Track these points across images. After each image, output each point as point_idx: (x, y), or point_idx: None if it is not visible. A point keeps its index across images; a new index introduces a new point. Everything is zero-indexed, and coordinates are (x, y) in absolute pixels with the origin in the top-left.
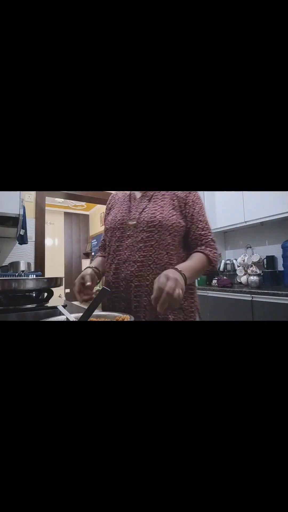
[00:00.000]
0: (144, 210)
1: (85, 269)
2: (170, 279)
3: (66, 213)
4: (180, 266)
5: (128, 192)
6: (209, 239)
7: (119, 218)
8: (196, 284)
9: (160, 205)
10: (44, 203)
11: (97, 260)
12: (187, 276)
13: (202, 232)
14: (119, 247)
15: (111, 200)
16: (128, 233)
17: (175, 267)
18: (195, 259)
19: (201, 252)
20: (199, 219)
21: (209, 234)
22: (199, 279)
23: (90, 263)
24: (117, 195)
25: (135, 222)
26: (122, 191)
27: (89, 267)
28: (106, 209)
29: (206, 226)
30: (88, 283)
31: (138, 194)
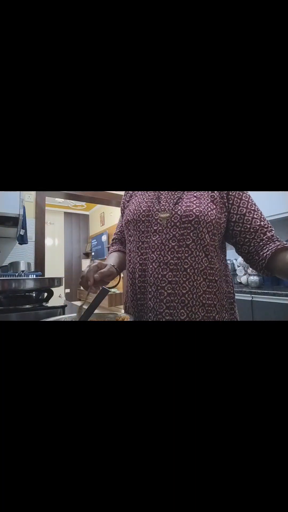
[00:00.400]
0: (179, 202)
1: (107, 265)
2: None
3: (66, 213)
4: None
5: None
6: (273, 233)
7: (144, 208)
8: (234, 291)
9: (196, 197)
10: (44, 203)
11: (116, 256)
12: None
13: (263, 223)
14: (144, 244)
15: (129, 192)
16: (156, 228)
17: None
18: None
19: (279, 246)
20: (252, 208)
21: (271, 227)
22: None
23: (90, 262)
24: None
25: (168, 215)
26: None
27: (111, 265)
28: (125, 196)
29: (263, 216)
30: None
31: None
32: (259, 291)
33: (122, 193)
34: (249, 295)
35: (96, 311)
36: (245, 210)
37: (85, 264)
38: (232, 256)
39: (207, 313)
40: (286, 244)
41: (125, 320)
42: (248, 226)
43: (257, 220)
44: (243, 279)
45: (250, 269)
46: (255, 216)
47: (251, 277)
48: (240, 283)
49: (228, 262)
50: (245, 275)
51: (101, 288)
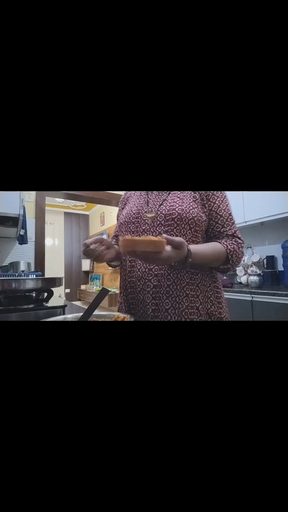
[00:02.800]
0: (163, 204)
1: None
2: (168, 258)
3: (66, 213)
4: (192, 248)
5: None
6: (231, 233)
7: (134, 211)
8: (222, 288)
9: (179, 197)
10: (44, 203)
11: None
12: (191, 257)
13: (222, 230)
14: None
15: (127, 194)
16: (144, 228)
17: (190, 248)
18: (209, 245)
19: (218, 242)
20: (221, 214)
21: (232, 228)
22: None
23: (91, 263)
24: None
25: (153, 214)
26: None
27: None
28: (121, 202)
29: (228, 222)
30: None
31: None
32: (259, 291)
33: (122, 193)
34: (249, 295)
35: (96, 311)
36: (215, 213)
37: (85, 264)
38: None
39: (191, 303)
40: (222, 241)
41: (125, 320)
42: (217, 230)
43: (220, 225)
44: (243, 279)
45: (250, 269)
46: (219, 222)
47: (251, 277)
48: (240, 283)
49: None
50: (245, 275)
51: (101, 288)
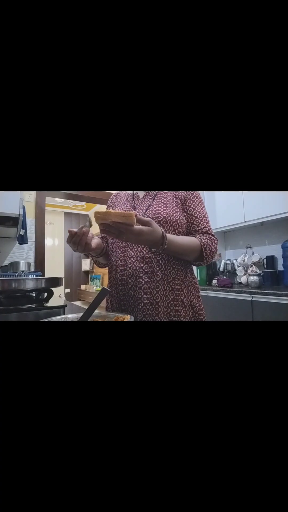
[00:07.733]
0: (149, 208)
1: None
2: (143, 234)
3: (66, 213)
4: (168, 235)
5: (131, 192)
6: (206, 230)
7: None
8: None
9: (163, 203)
10: (44, 203)
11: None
12: (167, 242)
13: (197, 228)
14: (124, 243)
15: (113, 199)
16: None
17: (166, 235)
18: (185, 237)
19: (194, 236)
20: (196, 215)
21: (206, 226)
22: (199, 278)
23: (91, 263)
24: (119, 195)
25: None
26: (124, 191)
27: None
28: (108, 207)
29: (203, 222)
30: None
31: (141, 193)
32: (259, 291)
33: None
34: (249, 295)
35: (96, 311)
36: (193, 215)
37: (85, 264)
38: (232, 256)
39: (176, 295)
40: (204, 239)
41: (125, 320)
42: (193, 230)
43: (195, 225)
44: (243, 279)
45: (250, 269)
46: (194, 222)
47: (251, 277)
48: (240, 283)
49: (228, 262)
50: (245, 275)
51: (101, 288)
